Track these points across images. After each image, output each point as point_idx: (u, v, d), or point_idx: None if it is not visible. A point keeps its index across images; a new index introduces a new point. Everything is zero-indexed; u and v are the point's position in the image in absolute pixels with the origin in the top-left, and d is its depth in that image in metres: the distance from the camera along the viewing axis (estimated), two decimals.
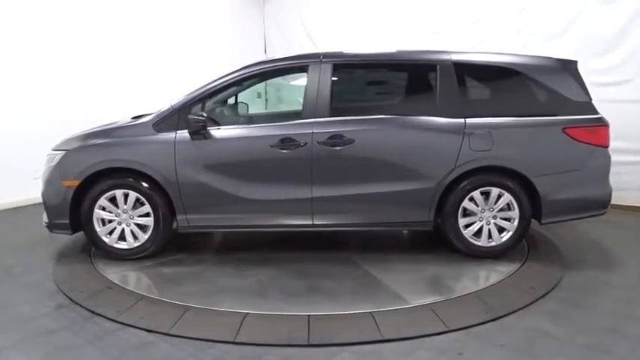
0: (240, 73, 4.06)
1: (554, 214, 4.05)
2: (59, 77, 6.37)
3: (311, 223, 4.03)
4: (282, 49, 8.50)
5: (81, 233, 4.10)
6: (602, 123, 4.02)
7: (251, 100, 6.16)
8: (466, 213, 4.04)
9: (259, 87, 7.48)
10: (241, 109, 5.10)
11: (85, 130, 4.26)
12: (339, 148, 3.90)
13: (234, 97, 4.94)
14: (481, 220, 4.04)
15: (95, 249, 4.21)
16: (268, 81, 6.76)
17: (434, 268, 3.93)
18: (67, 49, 6.42)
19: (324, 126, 3.93)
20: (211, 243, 4.57)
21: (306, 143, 3.89)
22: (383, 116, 4.00)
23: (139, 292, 3.51)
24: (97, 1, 6.71)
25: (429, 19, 6.88)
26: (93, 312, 3.27)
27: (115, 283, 3.67)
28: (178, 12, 7.61)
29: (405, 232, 4.84)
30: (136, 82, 6.83)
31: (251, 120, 4.90)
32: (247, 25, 8.64)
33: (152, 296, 3.46)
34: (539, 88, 4.06)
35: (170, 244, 4.29)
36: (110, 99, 6.60)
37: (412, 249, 4.49)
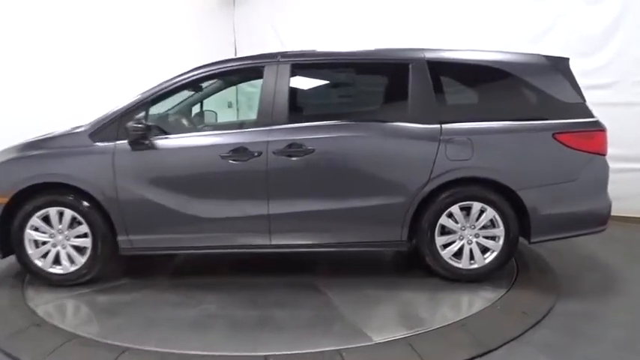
0: (186, 76, 3.63)
1: (544, 232, 3.55)
2: (20, 81, 5.97)
3: (269, 243, 3.56)
4: None
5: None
6: (598, 127, 3.53)
7: (222, 109, 5.73)
8: (444, 231, 3.56)
9: (229, 95, 7.06)
10: (208, 118, 4.67)
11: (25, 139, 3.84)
12: (297, 158, 3.44)
13: (199, 105, 4.54)
14: (461, 239, 3.55)
15: (30, 275, 3.75)
16: (240, 89, 6.36)
17: (409, 295, 3.43)
18: (25, 54, 6.03)
19: (280, 134, 3.48)
20: (162, 266, 4.09)
21: (261, 153, 3.44)
22: (347, 122, 3.55)
23: (68, 330, 3.02)
24: (59, 11, 6.36)
25: (407, 23, 6.55)
26: (10, 356, 2.79)
27: (42, 318, 3.19)
28: (141, 18, 7.24)
29: (379, 253, 4.33)
30: (97, 91, 6.41)
31: (214, 129, 4.45)
32: (216, 31, 8.20)
33: (82, 334, 2.96)
34: (526, 88, 3.59)
35: (116, 267, 3.85)
36: (70, 108, 6.14)
37: (386, 272, 3.98)
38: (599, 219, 3.60)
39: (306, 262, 4.06)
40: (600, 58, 5.38)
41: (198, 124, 4.30)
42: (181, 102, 4.25)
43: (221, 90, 4.36)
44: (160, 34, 7.47)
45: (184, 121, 4.13)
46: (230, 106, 7.19)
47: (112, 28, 6.99)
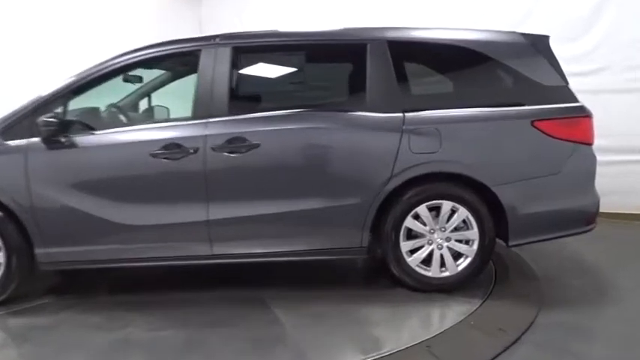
0: (109, 64, 3.15)
1: (524, 234, 3.11)
2: None
3: (210, 253, 3.10)
4: None
5: None
6: (582, 113, 3.11)
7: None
8: (411, 235, 3.12)
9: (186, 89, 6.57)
10: (158, 114, 4.18)
11: None
12: (240, 154, 2.98)
13: (146, 99, 4.06)
14: (430, 244, 3.11)
15: None
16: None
17: (369, 310, 2.97)
18: None
19: (220, 127, 3.02)
20: (93, 282, 3.58)
21: (197, 150, 2.98)
22: (297, 112, 3.09)
23: None
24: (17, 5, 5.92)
25: (381, 10, 6.18)
26: None
27: None
28: (103, 13, 6.80)
29: (339, 261, 3.82)
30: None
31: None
32: (182, 26, 7.75)
33: None
34: (501, 71, 3.17)
35: (40, 285, 3.38)
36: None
37: (345, 284, 3.48)
38: (586, 217, 3.17)
39: (255, 273, 3.57)
40: (586, 42, 5.02)
41: (136, 119, 3.81)
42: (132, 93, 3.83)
43: (170, 82, 3.89)
44: (123, 29, 7.06)
45: (120, 117, 3.64)
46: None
47: (72, 21, 6.57)
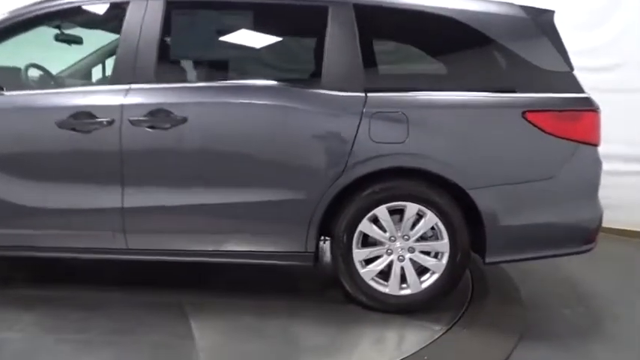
0: (17, 13, 2.63)
1: (506, 250, 2.54)
2: None
3: (124, 247, 2.58)
4: None
5: None
6: (587, 106, 2.52)
7: None
8: (367, 242, 2.57)
9: None
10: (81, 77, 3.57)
11: None
12: (163, 130, 2.46)
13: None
14: (390, 254, 2.55)
15: None
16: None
17: (308, 330, 2.44)
18: None
19: (142, 95, 2.50)
20: None
21: (113, 121, 2.46)
22: (237, 84, 2.57)
23: None
24: None
25: None
26: None
27: None
28: None
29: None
30: None
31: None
32: None
33: None
34: (492, 49, 2.59)
35: None
36: None
37: (292, 293, 2.92)
38: (583, 235, 2.59)
39: (178, 274, 3.03)
40: (604, 34, 4.37)
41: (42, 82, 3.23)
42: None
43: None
44: None
45: (38, 78, 3.11)
46: None
47: None
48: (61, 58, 3.50)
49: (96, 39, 3.37)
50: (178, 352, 2.19)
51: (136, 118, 2.45)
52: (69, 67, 3.48)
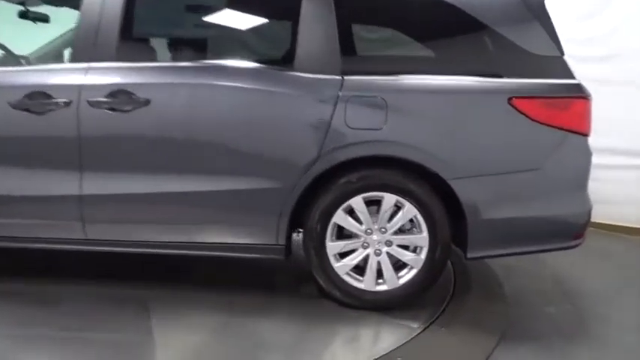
0: None
1: (489, 244, 2.40)
2: None
3: (83, 237, 2.42)
4: None
5: None
6: (577, 93, 2.37)
7: None
8: (342, 234, 2.42)
9: None
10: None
11: None
12: (124, 113, 2.29)
13: None
14: (366, 247, 2.41)
15: None
16: None
17: (276, 327, 2.29)
18: None
19: (102, 75, 2.33)
20: None
21: (70, 102, 2.29)
22: (206, 64, 2.40)
23: None
24: None
25: None
26: None
27: None
28: None
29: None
30: None
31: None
32: None
33: None
34: (478, 30, 2.43)
35: None
36: None
37: (264, 287, 2.76)
38: (571, 230, 2.45)
39: (148, 267, 2.87)
40: (601, 23, 4.22)
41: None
42: None
43: None
44: None
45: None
46: None
47: None
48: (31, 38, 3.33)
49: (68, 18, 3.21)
50: (132, 351, 2.05)
51: (94, 99, 2.28)
52: (40, 48, 3.30)
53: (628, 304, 2.84)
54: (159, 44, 2.60)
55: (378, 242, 2.39)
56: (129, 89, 2.29)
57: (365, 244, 2.40)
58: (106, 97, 2.28)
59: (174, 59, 2.44)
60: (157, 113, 2.29)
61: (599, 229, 3.60)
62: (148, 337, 2.14)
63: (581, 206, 2.43)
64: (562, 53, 2.43)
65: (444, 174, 2.29)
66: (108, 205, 2.38)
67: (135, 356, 2.04)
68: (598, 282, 3.10)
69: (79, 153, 2.32)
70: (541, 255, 2.77)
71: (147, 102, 2.28)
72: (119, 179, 2.35)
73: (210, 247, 2.43)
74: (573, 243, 2.47)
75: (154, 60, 2.43)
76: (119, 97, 2.29)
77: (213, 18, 2.56)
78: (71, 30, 3.14)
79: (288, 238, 2.42)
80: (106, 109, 2.29)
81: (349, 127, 2.28)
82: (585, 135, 2.38)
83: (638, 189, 4.03)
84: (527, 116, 2.29)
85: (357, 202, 2.35)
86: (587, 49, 4.07)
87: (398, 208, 2.36)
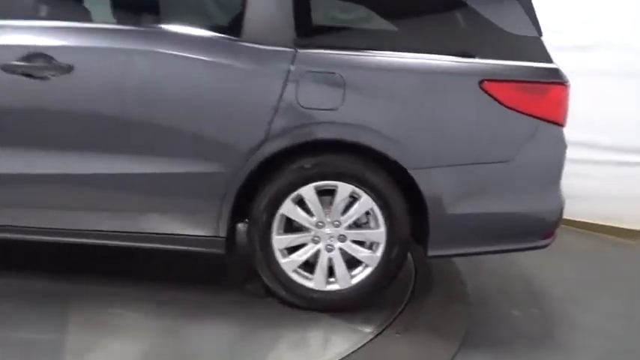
0: None
1: (451, 242, 2.19)
2: None
3: None
4: None
5: None
6: (555, 78, 2.15)
7: None
8: (291, 227, 2.17)
9: None
10: None
11: None
12: (42, 80, 1.98)
13: None
14: (316, 242, 2.16)
15: None
16: None
17: (206, 330, 2.05)
18: None
19: (17, 34, 2.02)
20: None
21: None
22: (140, 29, 2.10)
23: None
24: None
25: None
26: None
27: None
28: None
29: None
30: None
31: None
32: None
33: None
34: (448, 4, 2.20)
35: None
36: None
37: (207, 284, 2.46)
38: (541, 228, 2.25)
39: (73, 258, 2.53)
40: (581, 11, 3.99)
41: None
42: None
43: None
44: None
45: None
46: None
47: None
48: None
49: None
50: (35, 353, 1.76)
51: (7, 63, 1.97)
52: None
53: (597, 307, 2.67)
54: (87, 2, 2.27)
55: (330, 237, 2.15)
56: (48, 52, 1.98)
57: (315, 239, 2.16)
58: (21, 60, 1.97)
59: (104, 20, 2.13)
60: (80, 82, 1.99)
61: (572, 226, 3.44)
62: (60, 336, 1.87)
63: (553, 203, 2.23)
64: (540, 34, 2.21)
65: (404, 162, 2.06)
66: (17, 187, 2.07)
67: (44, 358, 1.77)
68: (568, 283, 2.93)
69: None
70: (509, 254, 2.58)
71: (69, 68, 1.97)
72: (34, 157, 2.05)
73: (143, 238, 2.15)
74: (542, 243, 2.28)
75: (80, 20, 2.11)
76: (36, 61, 1.98)
77: None
78: None
79: (232, 230, 2.16)
80: (21, 74, 1.98)
81: (302, 106, 2.02)
82: (561, 125, 2.17)
83: (618, 185, 3.89)
84: (499, 102, 2.06)
85: (307, 191, 2.09)
86: (562, 37, 3.90)
87: (354, 199, 2.12)
